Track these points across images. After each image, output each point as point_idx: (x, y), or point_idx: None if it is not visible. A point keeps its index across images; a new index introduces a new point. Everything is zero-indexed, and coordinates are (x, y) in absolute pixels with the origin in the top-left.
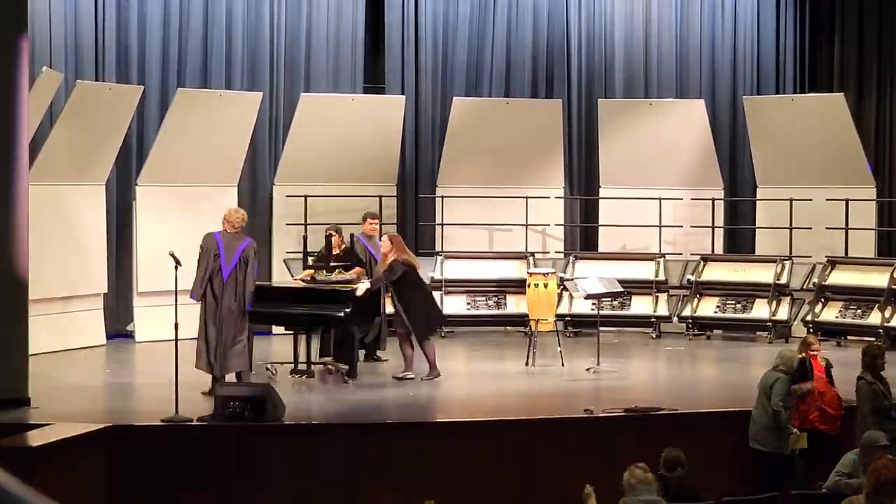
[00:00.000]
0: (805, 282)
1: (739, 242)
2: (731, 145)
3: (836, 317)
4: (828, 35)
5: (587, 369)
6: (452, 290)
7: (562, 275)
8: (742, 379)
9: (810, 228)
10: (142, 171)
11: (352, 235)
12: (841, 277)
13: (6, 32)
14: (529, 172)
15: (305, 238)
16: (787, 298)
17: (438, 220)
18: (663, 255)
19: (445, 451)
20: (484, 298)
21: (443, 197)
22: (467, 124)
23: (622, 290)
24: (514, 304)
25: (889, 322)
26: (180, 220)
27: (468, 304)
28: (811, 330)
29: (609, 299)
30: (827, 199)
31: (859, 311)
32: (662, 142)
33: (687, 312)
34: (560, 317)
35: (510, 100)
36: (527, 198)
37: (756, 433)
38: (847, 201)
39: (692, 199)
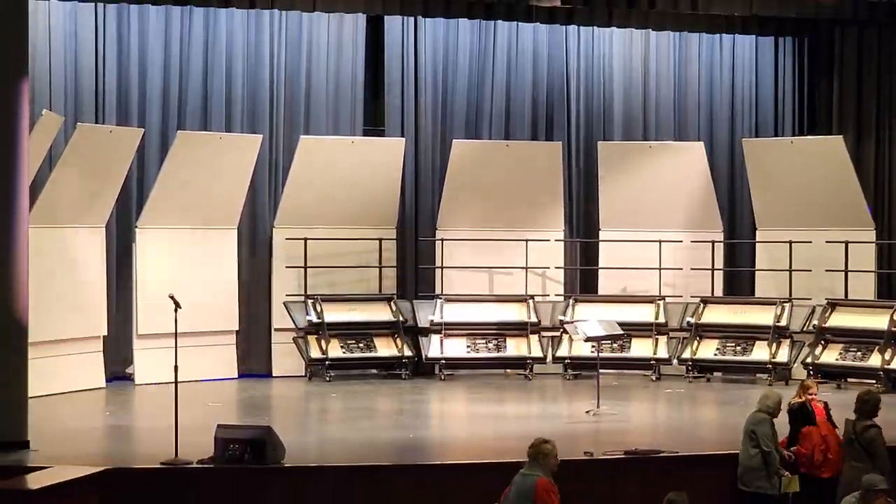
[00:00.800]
0: (805, 324)
1: (739, 284)
2: (731, 187)
3: (836, 359)
4: (826, 77)
5: (587, 412)
6: (452, 333)
7: (561, 317)
8: (742, 421)
9: (810, 270)
10: (142, 214)
11: None
12: (841, 320)
13: (7, 75)
14: (529, 215)
15: (306, 281)
16: (787, 341)
17: (438, 263)
18: (663, 298)
19: (445, 493)
20: (484, 341)
21: (442, 240)
22: (467, 166)
23: (622, 332)
24: (514, 347)
25: (889, 364)
26: (180, 263)
27: (468, 346)
28: (811, 373)
29: (609, 342)
30: (826, 242)
31: (859, 353)
32: (662, 184)
33: (687, 355)
34: (559, 359)
35: (510, 142)
36: (527, 240)
37: (742, 474)
38: (846, 243)
39: (692, 241)
